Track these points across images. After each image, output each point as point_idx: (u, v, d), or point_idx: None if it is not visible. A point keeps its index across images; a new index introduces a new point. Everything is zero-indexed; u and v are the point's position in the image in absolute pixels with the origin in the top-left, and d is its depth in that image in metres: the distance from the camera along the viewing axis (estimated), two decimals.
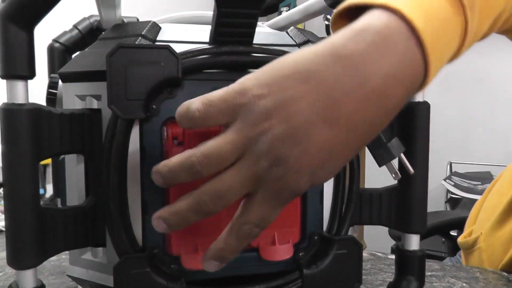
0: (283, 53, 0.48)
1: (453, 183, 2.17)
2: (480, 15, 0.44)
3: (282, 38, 0.53)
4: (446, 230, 1.47)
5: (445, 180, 2.24)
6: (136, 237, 0.45)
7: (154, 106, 0.45)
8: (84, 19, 0.79)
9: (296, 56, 0.38)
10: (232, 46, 0.47)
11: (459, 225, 0.99)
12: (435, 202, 2.48)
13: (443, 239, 1.60)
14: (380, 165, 0.48)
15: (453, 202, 2.18)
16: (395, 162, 0.51)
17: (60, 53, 0.76)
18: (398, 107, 0.38)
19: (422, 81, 0.39)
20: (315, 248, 0.51)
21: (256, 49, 0.48)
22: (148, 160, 0.46)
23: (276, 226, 0.49)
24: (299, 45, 0.52)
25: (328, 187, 0.52)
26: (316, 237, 0.51)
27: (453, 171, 2.47)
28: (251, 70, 0.49)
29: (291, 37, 0.53)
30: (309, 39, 0.52)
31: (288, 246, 0.49)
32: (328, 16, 2.51)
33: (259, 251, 0.49)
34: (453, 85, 2.68)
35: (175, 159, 0.38)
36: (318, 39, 0.55)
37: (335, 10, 0.43)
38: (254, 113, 0.36)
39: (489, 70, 2.59)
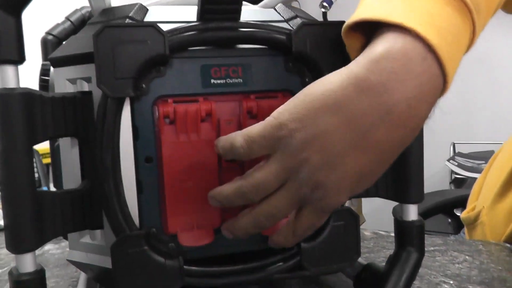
0: (270, 27, 0.48)
1: (456, 163, 2.17)
2: (485, 13, 0.45)
3: (269, 14, 0.53)
4: (450, 209, 1.47)
5: (448, 160, 2.23)
6: (133, 217, 0.46)
7: (143, 85, 0.45)
8: (76, 11, 0.79)
9: (323, 89, 0.41)
10: (218, 22, 0.47)
11: (463, 203, 0.99)
12: (440, 183, 2.47)
13: (449, 220, 1.60)
14: None
15: (458, 182, 2.18)
16: None
17: (53, 45, 0.76)
18: (424, 121, 0.43)
19: (442, 89, 0.42)
20: None
21: (242, 24, 0.48)
22: (141, 139, 0.46)
23: None
24: (287, 20, 0.52)
25: None
26: None
27: (456, 151, 2.46)
28: (239, 46, 0.49)
29: (279, 13, 0.53)
30: (297, 14, 0.52)
31: (285, 220, 0.49)
32: (325, 4, 2.50)
33: None
34: None
35: (228, 189, 0.44)
36: (306, 15, 0.55)
37: (346, 22, 0.45)
38: (292, 146, 0.41)
39: (489, 51, 2.58)
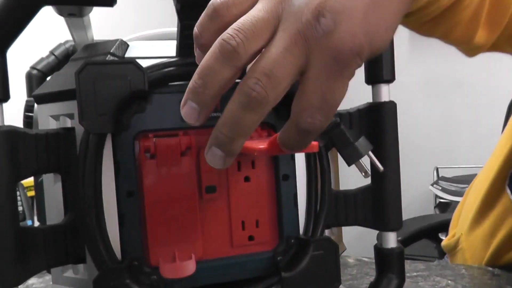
0: None
1: (440, 188, 2.19)
2: None
3: None
4: (435, 233, 1.48)
5: (432, 185, 2.25)
6: (115, 250, 0.46)
7: (124, 121, 0.46)
8: (60, 45, 0.80)
9: None
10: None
11: (447, 227, 1.01)
12: (424, 208, 2.49)
13: (435, 245, 1.61)
14: (349, 164, 0.50)
15: (442, 206, 2.20)
16: (365, 162, 0.52)
17: (38, 80, 0.77)
18: None
19: None
20: (293, 251, 0.52)
21: None
22: (122, 174, 0.47)
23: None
24: None
25: (302, 191, 0.53)
26: (292, 240, 0.52)
27: (440, 176, 2.49)
28: None
29: None
30: None
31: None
32: None
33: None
34: (434, 90, 2.72)
35: (206, 58, 0.33)
36: None
37: None
38: None
39: (468, 74, 2.63)
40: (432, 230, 1.48)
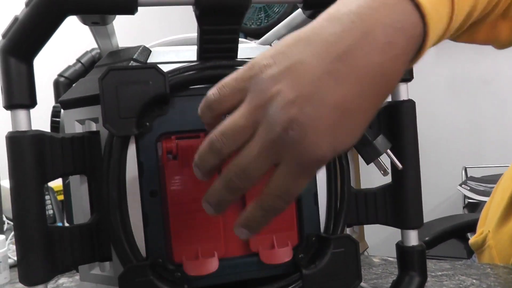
0: None
1: (469, 188, 2.16)
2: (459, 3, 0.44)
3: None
4: (463, 233, 1.46)
5: (460, 185, 2.23)
6: (140, 248, 0.48)
7: (147, 123, 0.47)
8: (86, 53, 0.82)
9: (298, 30, 0.39)
10: (216, 61, 0.50)
11: (475, 227, 1.00)
12: (453, 209, 2.46)
13: (464, 245, 1.59)
14: (367, 163, 0.50)
15: (471, 206, 2.17)
16: (385, 160, 0.52)
17: (65, 87, 0.79)
18: (405, 56, 0.39)
19: (422, 43, 0.40)
20: (314, 248, 0.53)
21: (239, 62, 0.50)
22: (146, 174, 0.48)
23: (273, 230, 0.51)
24: None
25: (322, 189, 0.53)
26: (313, 238, 0.53)
27: (468, 176, 2.46)
28: None
29: None
30: None
31: (287, 249, 0.51)
32: None
33: (260, 256, 0.51)
34: (461, 89, 2.69)
35: (202, 145, 0.40)
36: None
37: None
38: (263, 82, 0.37)
39: (495, 71, 2.59)
40: (460, 230, 1.47)
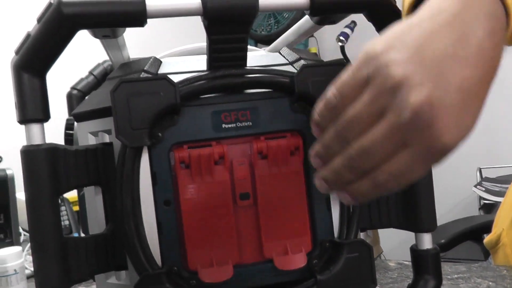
0: (274, 71, 0.51)
1: (484, 189, 2.14)
2: None
3: (275, 58, 0.56)
4: (478, 235, 1.45)
5: (476, 186, 2.20)
6: (155, 257, 0.48)
7: (159, 134, 0.48)
8: (98, 65, 0.83)
9: (405, 20, 0.39)
10: (225, 70, 0.50)
11: (491, 228, 0.99)
12: (469, 210, 2.43)
13: (480, 246, 1.58)
14: None
15: (487, 207, 2.14)
16: None
17: (78, 99, 0.80)
18: (501, 43, 0.39)
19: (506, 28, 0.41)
20: (327, 254, 0.53)
21: (248, 70, 0.51)
22: (159, 184, 0.49)
23: (287, 237, 0.52)
24: (291, 63, 0.55)
25: (334, 195, 0.54)
26: (327, 244, 0.53)
27: (483, 176, 2.43)
28: (246, 91, 0.52)
29: (284, 57, 0.56)
30: (301, 56, 0.55)
31: (301, 255, 0.51)
32: (341, 38, 2.54)
33: (274, 262, 0.51)
34: None
35: (325, 136, 0.39)
36: (310, 55, 0.58)
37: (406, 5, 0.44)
38: (385, 68, 0.36)
39: (510, 73, 2.57)
40: (476, 232, 1.46)
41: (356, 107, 0.37)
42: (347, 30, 2.62)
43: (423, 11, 0.39)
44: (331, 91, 0.39)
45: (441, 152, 0.36)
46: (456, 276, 0.79)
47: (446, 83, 0.35)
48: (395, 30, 0.38)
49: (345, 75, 0.38)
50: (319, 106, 0.40)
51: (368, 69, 0.37)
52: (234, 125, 0.51)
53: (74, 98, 0.80)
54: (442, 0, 0.39)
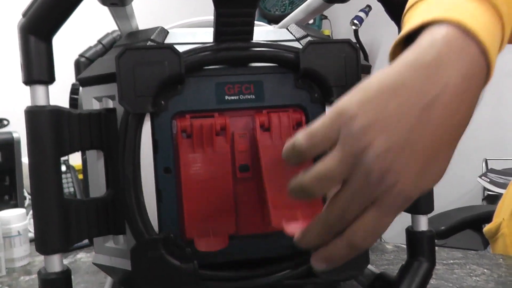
0: (280, 46, 0.52)
1: (489, 180, 2.14)
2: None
3: (282, 34, 0.56)
4: (479, 224, 1.46)
5: (480, 177, 2.20)
6: (152, 223, 0.49)
7: (162, 102, 0.49)
8: (107, 34, 0.84)
9: (378, 76, 0.41)
10: (231, 42, 0.50)
11: (491, 218, 1.00)
12: (473, 200, 2.43)
13: (480, 236, 1.58)
14: None
15: (491, 199, 2.14)
16: None
17: (85, 67, 0.81)
18: (475, 102, 0.41)
19: (485, 77, 0.42)
20: None
21: (254, 44, 0.51)
22: (160, 152, 0.50)
23: (297, 207, 0.51)
24: (298, 39, 0.55)
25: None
26: None
27: (489, 168, 2.43)
28: (251, 65, 0.53)
29: (291, 33, 0.56)
30: (308, 33, 0.55)
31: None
32: (355, 21, 2.53)
33: (284, 229, 0.51)
34: None
35: (290, 184, 0.42)
36: (318, 33, 0.58)
37: (395, 40, 0.46)
38: (354, 130, 0.39)
39: None
40: (476, 221, 1.46)
41: (325, 163, 0.40)
42: (362, 14, 2.61)
43: (399, 64, 0.40)
44: (300, 135, 0.41)
45: (404, 203, 0.40)
46: (451, 261, 0.79)
47: (411, 150, 0.38)
48: (369, 89, 0.40)
49: (316, 126, 0.41)
50: (287, 146, 0.42)
51: (339, 128, 0.40)
52: (237, 97, 0.51)
53: (82, 65, 0.81)
54: (421, 54, 0.40)
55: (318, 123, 0.41)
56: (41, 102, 0.46)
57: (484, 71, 0.41)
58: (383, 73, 0.41)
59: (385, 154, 0.38)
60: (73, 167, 1.23)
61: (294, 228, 0.49)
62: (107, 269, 0.55)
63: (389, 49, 0.46)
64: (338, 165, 0.39)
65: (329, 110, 0.41)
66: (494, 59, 0.41)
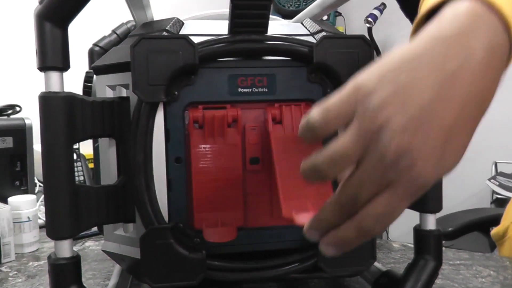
0: (294, 40, 0.52)
1: (498, 183, 2.12)
2: None
3: (296, 28, 0.56)
4: (486, 227, 1.45)
5: (489, 180, 2.19)
6: (162, 212, 0.49)
7: (175, 92, 0.49)
8: (121, 24, 0.84)
9: (401, 49, 0.39)
10: (245, 35, 0.51)
11: (499, 221, 0.99)
12: (481, 203, 2.42)
13: (487, 239, 1.58)
14: None
15: (499, 202, 2.13)
16: None
17: (99, 56, 0.81)
18: (499, 78, 0.39)
19: (509, 54, 0.40)
20: None
21: (268, 37, 0.51)
22: (172, 141, 0.50)
23: (308, 197, 0.51)
24: (312, 34, 0.55)
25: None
26: None
27: (498, 171, 2.41)
28: (265, 58, 0.53)
29: (305, 27, 0.56)
30: (323, 28, 0.55)
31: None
32: (369, 19, 2.52)
33: (294, 220, 0.51)
34: None
35: (304, 164, 0.40)
36: (333, 29, 0.58)
37: (416, 18, 0.45)
38: (370, 107, 0.36)
39: None
40: (484, 223, 1.45)
41: (339, 142, 0.38)
42: (376, 12, 2.59)
43: (421, 38, 0.39)
44: (315, 110, 0.39)
45: (421, 189, 0.37)
46: (458, 262, 0.79)
47: (429, 127, 0.36)
48: (388, 62, 0.38)
49: (332, 101, 0.38)
50: (302, 122, 0.40)
51: (356, 104, 0.37)
52: (250, 90, 0.51)
53: (96, 54, 0.81)
54: (443, 26, 0.38)
55: (334, 98, 0.38)
56: (55, 88, 0.47)
57: (507, 45, 0.39)
58: (404, 47, 0.39)
59: (402, 133, 0.36)
60: (83, 156, 1.24)
61: (304, 218, 0.47)
62: (115, 257, 0.55)
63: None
64: (353, 144, 0.37)
65: (347, 85, 0.38)
66: None
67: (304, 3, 2.38)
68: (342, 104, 0.38)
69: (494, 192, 2.20)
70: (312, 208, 0.49)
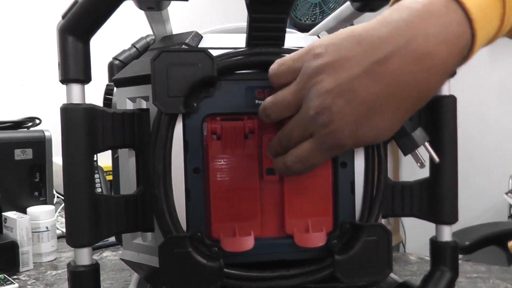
0: None
1: None
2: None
3: (313, 41, 0.57)
4: (504, 241, 1.44)
5: (507, 194, 2.17)
6: (181, 221, 0.50)
7: (194, 104, 0.50)
8: (141, 38, 0.86)
9: (356, 26, 0.43)
10: (262, 47, 0.52)
11: None
12: (498, 216, 2.40)
13: (505, 253, 1.56)
14: (405, 154, 0.51)
15: None
16: (423, 154, 0.53)
17: (119, 69, 0.83)
18: (443, 68, 0.41)
19: (470, 46, 0.41)
20: (347, 235, 0.54)
21: (284, 50, 0.52)
22: (190, 152, 0.51)
23: (309, 215, 0.53)
24: None
25: (359, 178, 0.55)
26: (348, 225, 0.54)
27: None
28: None
29: None
30: None
31: (321, 234, 0.53)
32: None
33: (294, 238, 0.53)
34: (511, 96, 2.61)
35: (261, 105, 0.48)
36: None
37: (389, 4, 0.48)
38: (311, 68, 0.43)
39: None
40: (502, 237, 1.44)
41: (283, 91, 0.45)
42: None
43: (374, 19, 0.42)
44: (274, 62, 0.47)
45: (336, 147, 0.43)
46: (475, 275, 0.79)
47: (352, 96, 0.41)
48: (339, 34, 0.43)
49: (288, 57, 0.46)
50: (271, 67, 0.47)
51: (302, 62, 0.44)
52: None
53: (115, 68, 0.83)
54: (396, 11, 0.41)
55: (290, 55, 0.46)
56: (77, 100, 0.48)
57: (466, 38, 0.40)
58: (359, 25, 0.43)
59: (326, 94, 0.41)
60: (101, 168, 1.25)
61: (303, 241, 0.52)
62: (134, 265, 0.56)
63: None
64: (291, 95, 0.44)
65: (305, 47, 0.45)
66: (481, 27, 0.40)
67: (320, 17, 2.39)
68: (293, 61, 0.45)
69: (511, 206, 2.18)
70: (312, 228, 0.53)
